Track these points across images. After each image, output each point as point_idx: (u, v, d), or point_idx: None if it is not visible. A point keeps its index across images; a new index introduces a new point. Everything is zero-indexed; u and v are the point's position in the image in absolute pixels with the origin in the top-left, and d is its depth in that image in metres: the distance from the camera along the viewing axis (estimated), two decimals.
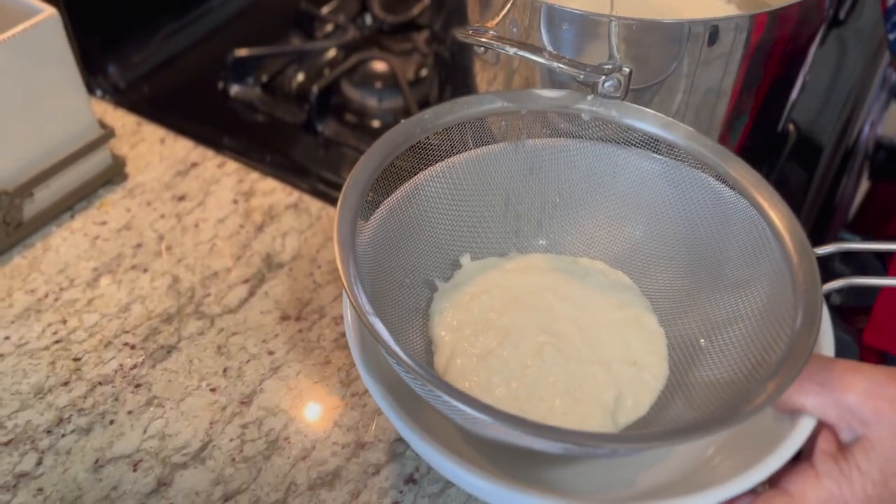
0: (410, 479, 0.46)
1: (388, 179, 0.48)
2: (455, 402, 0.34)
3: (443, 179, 0.50)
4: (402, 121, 0.47)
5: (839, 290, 0.69)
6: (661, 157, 0.49)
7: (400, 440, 0.48)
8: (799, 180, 0.67)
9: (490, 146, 0.51)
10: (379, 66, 0.78)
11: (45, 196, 0.60)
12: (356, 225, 0.42)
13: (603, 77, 0.47)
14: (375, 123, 0.75)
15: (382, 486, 0.46)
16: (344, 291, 0.39)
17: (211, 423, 0.49)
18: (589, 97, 0.49)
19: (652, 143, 0.49)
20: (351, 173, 0.43)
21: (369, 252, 0.45)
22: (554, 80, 0.54)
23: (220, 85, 0.77)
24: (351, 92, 0.77)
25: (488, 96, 0.49)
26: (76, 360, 0.52)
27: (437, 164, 0.50)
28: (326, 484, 0.46)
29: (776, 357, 0.38)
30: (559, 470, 0.44)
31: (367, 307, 0.38)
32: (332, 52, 0.82)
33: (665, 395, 0.45)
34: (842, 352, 0.64)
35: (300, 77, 0.79)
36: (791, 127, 0.71)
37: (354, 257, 0.40)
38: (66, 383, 0.51)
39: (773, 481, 0.38)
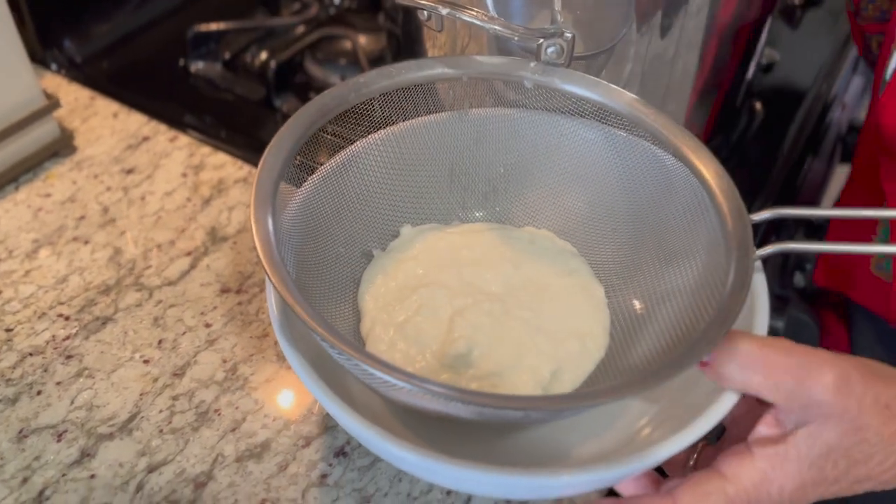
0: (341, 452, 0.45)
1: (326, 147, 0.47)
2: (359, 362, 0.32)
3: (383, 148, 0.49)
4: (336, 84, 0.46)
5: (804, 272, 0.68)
6: (605, 127, 0.48)
7: None
8: (761, 158, 0.65)
9: (434, 115, 0.50)
10: (343, 43, 0.77)
11: None
12: (278, 188, 0.40)
13: (543, 42, 0.45)
14: None
15: (312, 458, 0.45)
16: (257, 253, 0.37)
17: (141, 395, 0.48)
18: (531, 64, 0.47)
19: (597, 113, 0.48)
20: (276, 135, 0.42)
21: (299, 219, 0.44)
22: (502, 50, 0.52)
23: (181, 61, 0.76)
24: (314, 69, 0.76)
25: (428, 61, 0.48)
26: (8, 330, 0.51)
27: (377, 132, 0.49)
28: (255, 456, 0.45)
29: (702, 329, 0.37)
30: (491, 444, 0.43)
31: (281, 267, 0.36)
32: (298, 31, 0.81)
33: (601, 368, 0.44)
34: (803, 334, 0.63)
35: (263, 55, 0.78)
36: (758, 105, 0.70)
37: (273, 219, 0.39)
38: None
39: (707, 463, 0.37)
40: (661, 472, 0.40)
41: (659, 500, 0.35)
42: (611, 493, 0.38)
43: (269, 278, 0.35)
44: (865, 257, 0.57)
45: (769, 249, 0.38)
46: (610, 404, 0.43)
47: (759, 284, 0.41)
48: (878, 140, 0.53)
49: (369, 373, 0.32)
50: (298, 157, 0.43)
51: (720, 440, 0.39)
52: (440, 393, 0.31)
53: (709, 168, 0.42)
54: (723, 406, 0.36)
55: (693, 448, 0.38)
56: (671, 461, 0.38)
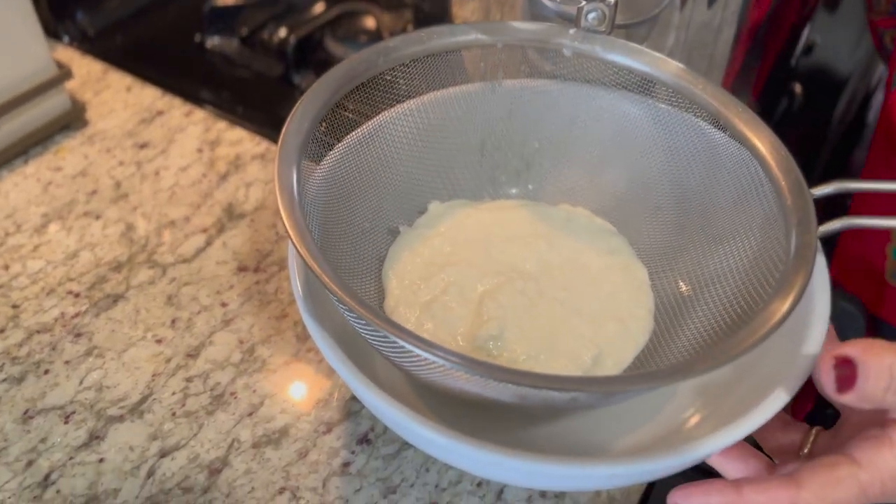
0: (364, 439, 0.43)
1: (347, 125, 0.44)
2: (396, 339, 0.30)
3: (411, 119, 0.46)
4: (363, 49, 0.43)
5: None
6: (648, 99, 0.45)
7: (355, 398, 0.44)
8: (803, 142, 0.62)
9: (464, 85, 0.47)
10: (364, 20, 0.74)
11: None
12: (302, 155, 0.38)
13: (585, 5, 0.43)
14: None
15: (333, 445, 0.42)
16: (277, 228, 0.35)
17: (153, 376, 0.45)
18: (571, 31, 0.45)
19: (640, 84, 0.45)
20: (299, 101, 0.39)
21: (323, 191, 0.41)
22: (535, 16, 0.50)
23: (197, 37, 0.74)
24: (334, 47, 0.73)
25: (462, 27, 0.45)
26: (15, 307, 0.48)
27: (405, 103, 0.46)
28: (272, 442, 0.42)
29: (761, 309, 0.34)
30: (523, 433, 0.40)
31: (307, 235, 0.34)
32: (318, 7, 0.78)
33: (645, 354, 0.41)
34: (851, 324, 0.60)
35: (282, 32, 0.75)
36: (797, 87, 0.67)
37: (298, 188, 0.36)
38: (1, 331, 0.47)
39: (824, 449, 0.34)
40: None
41: (780, 484, 0.31)
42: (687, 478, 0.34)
43: (295, 246, 0.32)
44: (879, 266, 0.54)
45: (834, 225, 0.35)
46: (653, 392, 0.41)
47: (819, 266, 0.38)
48: (888, 139, 0.50)
49: (406, 350, 0.30)
50: (323, 124, 0.41)
51: (836, 425, 0.35)
52: (484, 372, 0.29)
53: (764, 141, 0.40)
54: (778, 400, 0.33)
55: (807, 433, 0.35)
56: (780, 446, 0.35)
